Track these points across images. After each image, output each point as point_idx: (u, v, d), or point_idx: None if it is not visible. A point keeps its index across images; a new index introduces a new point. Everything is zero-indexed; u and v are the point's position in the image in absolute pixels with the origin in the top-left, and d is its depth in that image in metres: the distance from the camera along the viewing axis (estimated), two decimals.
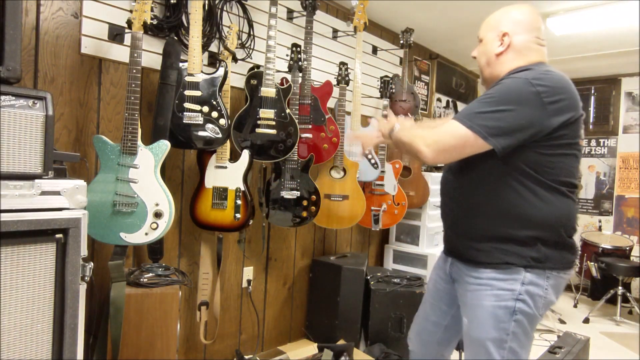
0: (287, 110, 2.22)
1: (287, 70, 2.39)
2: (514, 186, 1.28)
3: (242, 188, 2.10)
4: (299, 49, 2.37)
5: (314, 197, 2.43)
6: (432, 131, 1.31)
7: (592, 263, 3.86)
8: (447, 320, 1.54)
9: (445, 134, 1.27)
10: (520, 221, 1.28)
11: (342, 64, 2.70)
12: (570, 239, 1.32)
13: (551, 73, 1.27)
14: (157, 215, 1.70)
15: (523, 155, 1.25)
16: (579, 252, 3.87)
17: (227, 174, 2.09)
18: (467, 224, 1.37)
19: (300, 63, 2.36)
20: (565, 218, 1.30)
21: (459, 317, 1.48)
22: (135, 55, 1.68)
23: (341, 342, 2.52)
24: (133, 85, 1.67)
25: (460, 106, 4.43)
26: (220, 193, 2.08)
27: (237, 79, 2.31)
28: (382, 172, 2.90)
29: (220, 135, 1.94)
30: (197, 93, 1.91)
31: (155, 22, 1.92)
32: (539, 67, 1.31)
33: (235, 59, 2.17)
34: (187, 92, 1.89)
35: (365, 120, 3.02)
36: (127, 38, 1.85)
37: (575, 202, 1.32)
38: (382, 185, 2.94)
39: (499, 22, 1.39)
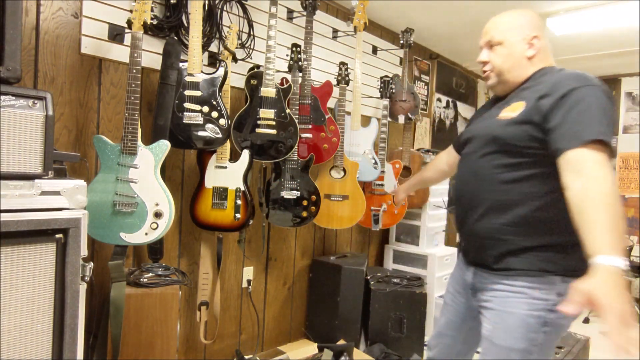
0: (287, 110, 2.22)
1: (287, 70, 2.39)
2: (558, 194, 1.17)
3: (242, 188, 2.10)
4: (299, 49, 2.37)
5: (314, 197, 2.43)
6: (601, 186, 1.03)
7: None
8: (464, 334, 1.50)
9: (600, 163, 1.07)
10: (564, 228, 1.19)
11: (342, 64, 2.70)
12: None
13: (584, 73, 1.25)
14: (157, 215, 1.70)
15: None
16: None
17: (227, 174, 2.09)
18: (505, 232, 1.27)
19: (300, 63, 2.36)
20: None
21: (476, 330, 1.43)
22: (135, 55, 1.68)
23: (341, 342, 2.52)
24: (133, 85, 1.67)
25: (460, 106, 4.43)
26: (220, 193, 2.08)
27: (237, 79, 2.31)
28: (382, 172, 2.90)
29: (220, 135, 1.95)
30: (197, 93, 1.91)
31: (155, 22, 1.92)
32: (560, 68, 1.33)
33: (235, 59, 2.17)
34: (187, 92, 1.89)
35: (365, 120, 3.02)
36: (127, 38, 1.85)
37: None
38: (382, 185, 2.94)
39: (523, 25, 1.37)
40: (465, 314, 1.47)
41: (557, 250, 1.23)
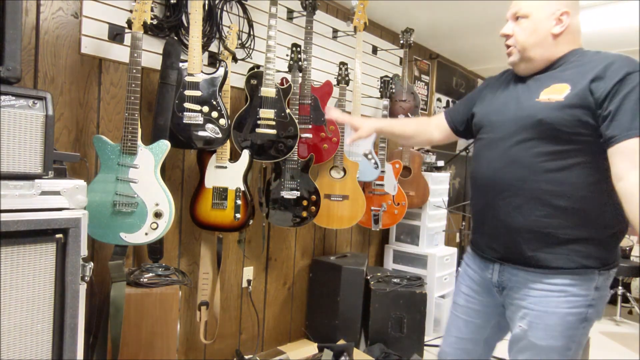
0: (287, 110, 2.22)
1: (287, 70, 2.39)
2: (602, 185, 1.16)
3: (242, 188, 2.10)
4: (299, 49, 2.37)
5: (314, 197, 2.43)
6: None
7: None
8: (487, 333, 1.41)
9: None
10: (605, 221, 1.18)
11: (342, 64, 2.70)
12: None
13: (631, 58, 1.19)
14: (157, 215, 1.70)
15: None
16: None
17: (227, 174, 2.09)
18: (546, 225, 1.19)
19: (300, 63, 2.36)
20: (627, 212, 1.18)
21: (499, 327, 1.39)
22: (135, 55, 1.68)
23: (341, 342, 2.52)
24: (133, 85, 1.67)
25: None
26: (220, 193, 2.08)
27: (237, 79, 2.31)
28: (382, 172, 2.90)
29: (220, 135, 1.94)
30: (197, 93, 1.91)
31: (155, 22, 1.92)
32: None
33: (235, 59, 2.17)
34: (187, 92, 1.89)
35: None
36: (127, 38, 1.85)
37: None
38: (382, 185, 2.94)
39: (548, 2, 1.25)
40: (488, 314, 1.39)
41: (597, 244, 1.19)
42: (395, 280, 2.75)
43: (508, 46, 1.31)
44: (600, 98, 1.12)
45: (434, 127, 1.61)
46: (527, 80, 1.31)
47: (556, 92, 1.19)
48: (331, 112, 1.67)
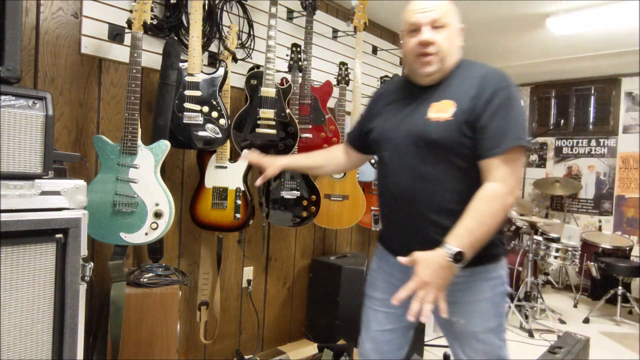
0: (287, 110, 2.22)
1: (287, 70, 2.39)
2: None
3: (242, 188, 2.10)
4: (299, 49, 2.37)
5: (314, 197, 2.43)
6: (501, 185, 1.18)
7: (592, 263, 3.86)
8: (405, 321, 1.45)
9: (514, 168, 1.21)
10: None
11: (342, 64, 2.70)
12: None
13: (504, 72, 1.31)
14: (157, 215, 1.70)
15: None
16: None
17: (227, 174, 2.09)
18: (451, 229, 1.23)
19: (300, 63, 2.36)
20: None
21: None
22: (135, 55, 1.68)
23: (341, 342, 2.52)
24: (133, 85, 1.67)
25: None
26: (220, 193, 2.08)
27: (237, 79, 2.31)
28: None
29: (220, 135, 1.94)
30: (197, 93, 1.91)
31: (155, 22, 1.92)
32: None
33: (235, 59, 2.17)
34: (187, 92, 1.89)
35: None
36: (127, 38, 1.85)
37: None
38: None
39: (456, 13, 1.37)
40: (406, 302, 1.39)
41: (499, 233, 1.31)
42: None
43: (427, 54, 1.29)
44: (475, 114, 1.22)
45: (340, 152, 1.65)
46: (419, 91, 1.35)
47: (443, 111, 1.26)
48: (246, 155, 1.63)
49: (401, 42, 1.41)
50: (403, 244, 1.39)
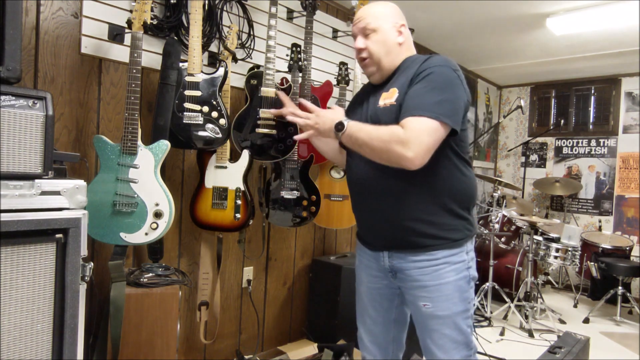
0: None
1: (287, 70, 2.39)
2: (447, 165, 1.36)
3: (242, 188, 2.10)
4: (299, 49, 2.37)
5: (314, 197, 2.43)
6: (402, 132, 1.24)
7: (592, 263, 3.86)
8: (394, 314, 1.55)
9: (421, 133, 1.23)
10: (457, 197, 1.38)
11: (342, 64, 2.69)
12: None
13: (450, 59, 1.37)
14: (157, 215, 1.70)
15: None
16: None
17: (227, 174, 2.09)
18: (410, 213, 1.36)
19: (300, 63, 2.36)
20: (475, 188, 1.47)
21: (402, 308, 1.54)
22: (135, 55, 1.68)
23: (341, 342, 2.52)
24: (133, 85, 1.67)
25: None
26: (220, 193, 2.08)
27: (237, 79, 2.31)
28: None
29: (220, 135, 1.94)
30: (197, 93, 1.91)
31: (155, 22, 1.92)
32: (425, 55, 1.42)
33: (235, 59, 2.17)
34: (187, 92, 1.89)
35: None
36: (127, 38, 1.85)
37: None
38: None
39: (389, 15, 1.44)
40: (389, 295, 1.53)
41: (458, 217, 1.39)
42: None
43: (363, 59, 1.45)
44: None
45: (340, 149, 1.69)
46: (377, 88, 1.47)
47: (389, 97, 1.38)
48: (278, 92, 1.90)
49: None
50: (372, 234, 1.50)
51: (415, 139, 1.22)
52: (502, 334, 3.26)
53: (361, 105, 1.51)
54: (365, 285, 1.57)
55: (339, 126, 1.33)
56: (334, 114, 1.39)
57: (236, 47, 2.17)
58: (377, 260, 1.49)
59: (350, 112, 1.56)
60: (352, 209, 1.56)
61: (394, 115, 1.32)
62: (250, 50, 2.39)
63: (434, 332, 1.40)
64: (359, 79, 2.69)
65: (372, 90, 1.50)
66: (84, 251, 1.22)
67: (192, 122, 1.90)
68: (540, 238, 3.78)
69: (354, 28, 1.47)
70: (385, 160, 1.28)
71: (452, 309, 1.37)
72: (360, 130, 1.31)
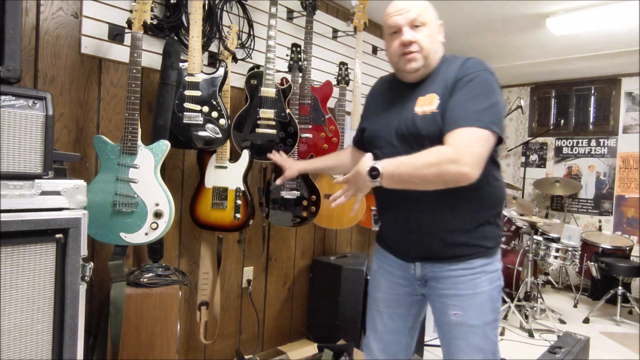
0: (287, 110, 2.22)
1: (287, 70, 2.39)
2: (484, 172, 1.27)
3: (242, 188, 2.10)
4: (299, 49, 2.37)
5: (314, 197, 2.43)
6: (451, 150, 1.17)
7: (592, 263, 3.86)
8: (410, 322, 1.51)
9: (472, 144, 1.17)
10: (491, 204, 1.35)
11: (342, 64, 2.69)
12: None
13: (483, 61, 1.33)
14: (157, 215, 1.70)
15: None
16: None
17: (227, 174, 2.09)
18: (448, 224, 1.32)
19: (300, 63, 2.36)
20: (505, 192, 1.44)
21: (418, 316, 1.52)
22: (135, 55, 1.68)
23: (341, 342, 2.52)
24: (133, 85, 1.67)
25: None
26: (220, 193, 2.08)
27: (237, 79, 2.31)
28: None
29: (220, 135, 1.94)
30: (197, 93, 1.91)
31: (155, 22, 1.92)
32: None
33: (235, 59, 2.17)
34: (187, 92, 1.89)
35: None
36: (127, 38, 1.85)
37: None
38: None
39: (433, 11, 1.38)
40: (408, 302, 1.49)
41: (490, 224, 1.36)
42: None
43: (410, 52, 1.33)
44: (449, 98, 1.27)
45: (349, 152, 1.70)
46: (407, 88, 1.38)
47: (428, 104, 1.29)
48: (273, 155, 1.98)
49: (385, 46, 1.44)
50: (400, 241, 1.45)
51: (467, 152, 1.16)
52: (502, 334, 3.26)
53: (387, 105, 1.42)
54: (384, 292, 1.50)
55: (373, 172, 1.21)
56: (361, 164, 1.25)
57: (236, 47, 2.17)
58: (405, 269, 1.43)
59: (371, 111, 1.50)
60: (379, 215, 1.52)
61: (436, 125, 1.25)
62: (250, 50, 2.39)
63: (460, 340, 1.36)
64: (359, 79, 2.69)
65: (401, 89, 1.39)
66: (84, 251, 1.22)
67: (192, 122, 1.90)
68: (540, 238, 3.78)
69: (399, 18, 1.32)
70: (441, 185, 1.19)
71: (482, 318, 1.34)
72: (400, 165, 1.20)
